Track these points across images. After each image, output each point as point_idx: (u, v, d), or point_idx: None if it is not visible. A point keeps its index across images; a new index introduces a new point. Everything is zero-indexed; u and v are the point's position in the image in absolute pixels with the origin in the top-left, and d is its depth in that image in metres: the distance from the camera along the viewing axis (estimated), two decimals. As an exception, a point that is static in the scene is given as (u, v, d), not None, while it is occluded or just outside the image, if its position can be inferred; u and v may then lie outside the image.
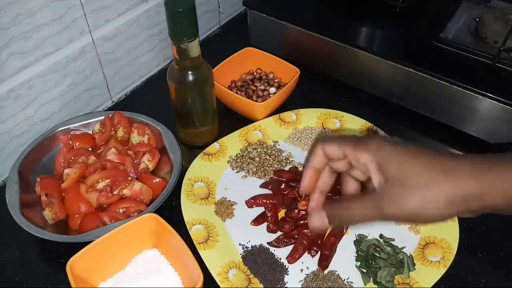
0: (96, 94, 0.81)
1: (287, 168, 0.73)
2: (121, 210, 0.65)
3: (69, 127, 0.73)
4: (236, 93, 0.81)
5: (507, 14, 0.80)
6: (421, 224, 0.59)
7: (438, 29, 0.80)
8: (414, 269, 0.60)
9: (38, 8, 0.65)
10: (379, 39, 0.84)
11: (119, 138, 0.74)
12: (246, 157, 0.74)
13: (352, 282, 0.59)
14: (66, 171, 0.68)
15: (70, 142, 0.72)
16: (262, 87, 0.82)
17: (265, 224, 0.66)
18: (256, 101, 0.79)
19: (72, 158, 0.70)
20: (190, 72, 0.67)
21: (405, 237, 0.63)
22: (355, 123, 0.77)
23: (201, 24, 0.97)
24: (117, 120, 0.74)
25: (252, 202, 0.68)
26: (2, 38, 0.63)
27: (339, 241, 0.64)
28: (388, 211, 0.41)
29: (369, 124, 0.76)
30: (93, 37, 0.75)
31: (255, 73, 0.86)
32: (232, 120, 0.79)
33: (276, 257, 0.62)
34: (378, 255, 0.61)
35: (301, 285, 0.59)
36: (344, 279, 0.60)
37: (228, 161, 0.73)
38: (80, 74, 0.76)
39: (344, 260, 0.62)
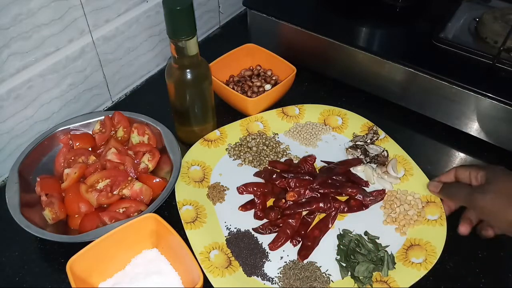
0: (96, 94, 0.81)
1: (283, 160, 0.74)
2: (121, 210, 0.65)
3: (69, 127, 0.73)
4: (233, 88, 0.82)
5: (507, 14, 0.80)
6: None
7: (438, 29, 0.80)
8: (394, 268, 0.60)
9: (38, 8, 0.65)
10: (379, 39, 0.84)
11: (119, 138, 0.74)
12: (244, 146, 0.75)
13: (330, 275, 0.60)
14: (66, 171, 0.68)
15: (70, 142, 0.72)
16: (258, 84, 0.82)
17: (253, 210, 0.68)
18: (250, 96, 0.80)
19: (72, 158, 0.70)
20: (188, 70, 0.67)
21: (391, 237, 0.64)
22: (356, 122, 0.78)
23: (201, 24, 0.97)
24: (117, 120, 0.74)
25: (243, 188, 0.70)
26: (2, 38, 0.63)
27: (323, 235, 0.65)
28: (474, 196, 0.58)
29: (370, 123, 0.76)
30: (93, 37, 0.75)
31: (254, 70, 0.86)
32: (232, 118, 0.79)
33: (259, 243, 0.64)
34: (358, 251, 0.61)
35: (279, 272, 0.61)
36: (323, 271, 0.61)
37: (226, 149, 0.75)
38: (80, 74, 0.76)
39: (325, 253, 0.63)
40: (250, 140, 0.76)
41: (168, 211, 0.68)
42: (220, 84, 0.78)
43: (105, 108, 0.84)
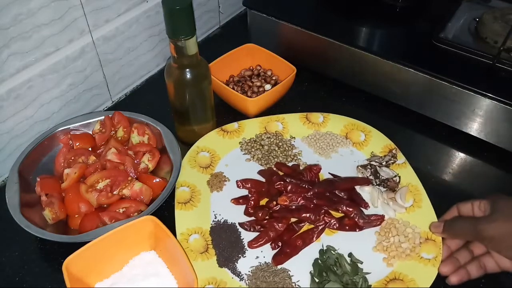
0: (96, 94, 0.81)
1: (290, 164, 0.73)
2: (121, 210, 0.65)
3: (69, 127, 0.73)
4: (233, 88, 0.82)
5: (507, 14, 0.80)
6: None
7: (438, 29, 0.80)
8: None
9: (38, 8, 0.65)
10: (379, 39, 0.84)
11: (119, 138, 0.74)
12: (257, 143, 0.76)
13: (299, 286, 0.59)
14: (66, 171, 0.68)
15: (70, 142, 0.72)
16: (258, 84, 0.82)
17: (245, 206, 0.68)
18: (250, 96, 0.80)
19: (72, 158, 0.70)
20: (187, 70, 0.67)
21: (376, 265, 0.61)
22: (379, 141, 0.75)
23: (201, 24, 0.97)
24: (117, 120, 0.74)
25: (241, 183, 0.70)
26: (2, 38, 0.63)
27: (305, 246, 0.63)
28: (479, 226, 0.56)
29: (392, 145, 0.74)
30: (93, 37, 0.75)
31: (254, 70, 0.86)
32: (232, 118, 0.79)
33: (240, 238, 0.64)
34: (334, 270, 0.60)
35: (250, 270, 0.61)
36: (293, 280, 0.60)
37: (239, 142, 0.76)
38: (80, 74, 0.76)
39: (302, 264, 0.61)
40: (265, 138, 0.76)
41: (168, 211, 0.68)
42: (220, 84, 0.78)
43: (105, 108, 0.84)
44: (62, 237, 0.60)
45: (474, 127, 0.75)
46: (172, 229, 0.58)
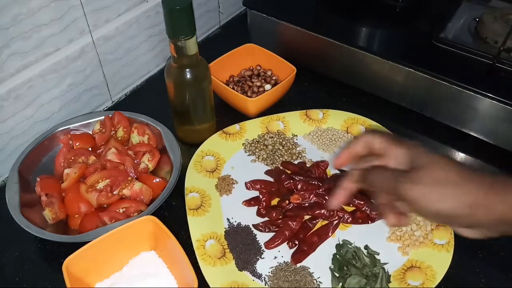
0: (96, 94, 0.81)
1: (296, 162, 0.74)
2: (121, 210, 0.65)
3: (69, 127, 0.73)
4: (233, 88, 0.82)
5: (507, 14, 0.80)
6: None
7: (438, 29, 0.80)
8: (388, 286, 0.58)
9: (38, 8, 0.65)
10: (379, 39, 0.84)
11: (119, 138, 0.74)
12: (260, 143, 0.76)
13: (321, 282, 0.60)
14: (66, 171, 0.68)
15: (70, 142, 0.72)
16: (258, 84, 0.82)
17: (257, 207, 0.68)
18: (250, 96, 0.80)
19: (72, 158, 0.70)
20: (187, 70, 0.67)
21: (392, 255, 0.62)
22: None
23: (201, 24, 0.97)
24: (117, 120, 0.74)
25: (251, 184, 0.70)
26: (2, 38, 0.63)
27: (322, 242, 0.64)
28: (401, 185, 0.47)
29: None
30: (93, 37, 0.75)
31: (254, 70, 0.86)
32: (232, 118, 0.79)
33: (256, 239, 0.64)
34: (354, 263, 0.60)
35: (270, 271, 0.61)
36: (314, 277, 0.60)
37: (243, 144, 0.76)
38: (80, 74, 0.76)
39: (321, 260, 0.62)
40: (268, 138, 0.76)
41: (168, 211, 0.68)
42: (220, 84, 0.78)
43: (105, 108, 0.84)
44: (62, 237, 0.60)
45: (474, 127, 0.75)
46: (172, 229, 0.58)
